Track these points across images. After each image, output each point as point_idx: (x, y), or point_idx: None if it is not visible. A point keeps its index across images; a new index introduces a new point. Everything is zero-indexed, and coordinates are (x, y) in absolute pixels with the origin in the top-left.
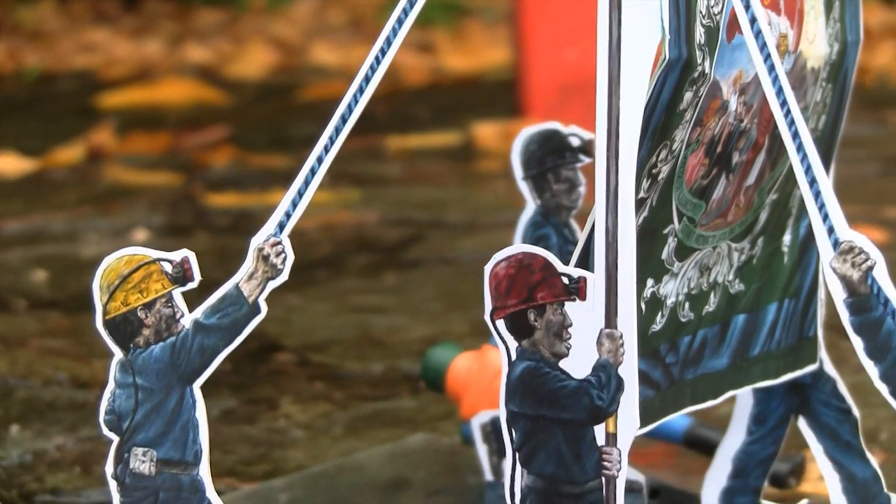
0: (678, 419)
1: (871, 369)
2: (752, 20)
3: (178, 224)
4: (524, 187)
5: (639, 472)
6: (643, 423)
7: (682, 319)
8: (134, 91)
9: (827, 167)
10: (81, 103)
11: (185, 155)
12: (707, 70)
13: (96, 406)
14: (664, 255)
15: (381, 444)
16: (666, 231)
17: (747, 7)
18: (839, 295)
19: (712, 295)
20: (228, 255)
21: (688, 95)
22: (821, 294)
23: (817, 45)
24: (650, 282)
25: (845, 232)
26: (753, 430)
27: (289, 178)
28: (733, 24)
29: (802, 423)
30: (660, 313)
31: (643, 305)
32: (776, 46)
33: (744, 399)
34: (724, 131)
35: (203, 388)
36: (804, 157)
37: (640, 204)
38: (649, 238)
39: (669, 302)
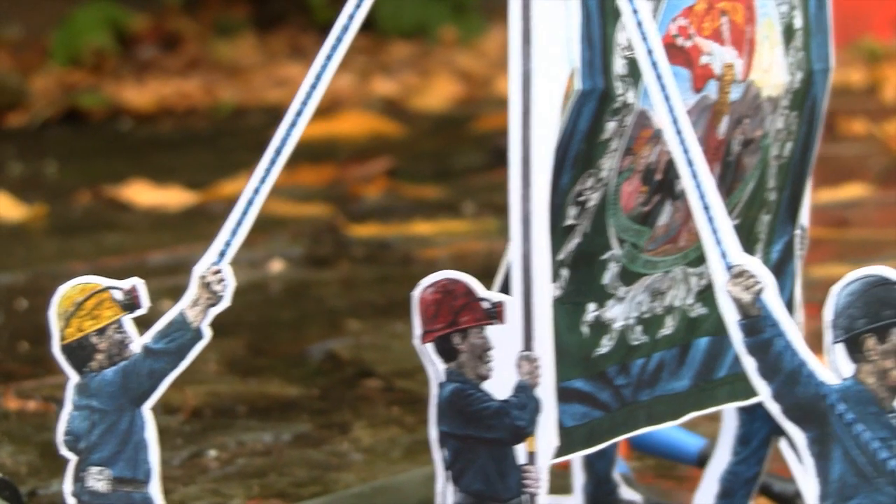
0: (692, 441)
1: (763, 389)
2: (650, 51)
3: (316, 255)
4: None
5: (637, 491)
6: (591, 443)
7: (634, 343)
8: (314, 124)
9: (801, 192)
10: (263, 137)
11: (344, 187)
12: (630, 101)
13: (177, 431)
14: (606, 280)
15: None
16: (605, 257)
17: (644, 38)
18: (732, 317)
19: (668, 318)
20: (355, 285)
21: (611, 125)
22: (798, 317)
23: (774, 74)
24: (592, 306)
25: (737, 256)
26: (738, 450)
27: (435, 208)
28: None
29: (783, 444)
30: (606, 336)
31: (586, 329)
32: (721, 76)
33: (729, 421)
34: (661, 159)
35: (284, 413)
36: (699, 185)
37: (569, 230)
38: (586, 264)
39: (617, 325)
